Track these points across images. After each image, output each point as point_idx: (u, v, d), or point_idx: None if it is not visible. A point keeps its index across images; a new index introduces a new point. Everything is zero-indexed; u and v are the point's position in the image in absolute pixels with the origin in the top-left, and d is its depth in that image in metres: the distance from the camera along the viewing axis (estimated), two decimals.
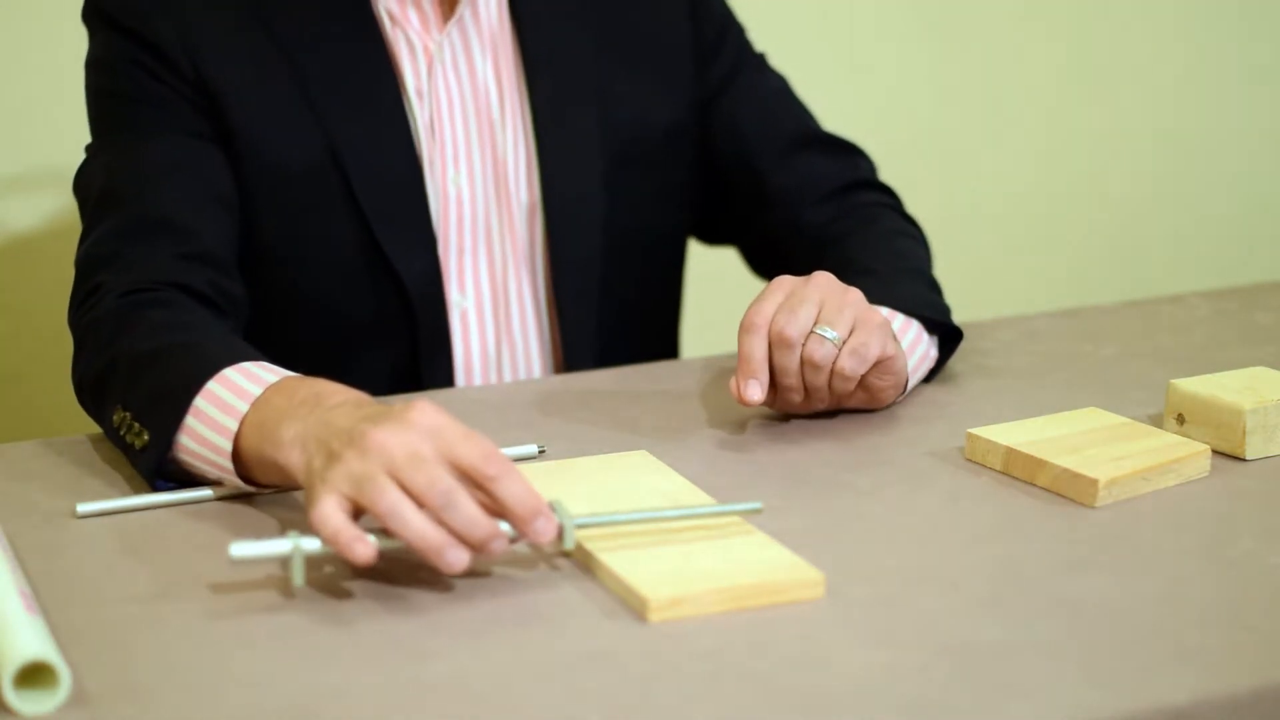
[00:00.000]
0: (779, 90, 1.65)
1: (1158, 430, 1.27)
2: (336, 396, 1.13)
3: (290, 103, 1.46)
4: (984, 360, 1.49)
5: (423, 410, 1.06)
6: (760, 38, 1.71)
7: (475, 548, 1.04)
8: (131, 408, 1.22)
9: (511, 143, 1.53)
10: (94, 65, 1.48)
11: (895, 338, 1.32)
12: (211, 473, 1.18)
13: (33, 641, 0.93)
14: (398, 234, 1.49)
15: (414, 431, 1.05)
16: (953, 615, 1.02)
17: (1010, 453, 1.22)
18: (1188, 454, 1.22)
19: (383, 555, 1.04)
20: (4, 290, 2.10)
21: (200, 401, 1.18)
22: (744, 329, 1.27)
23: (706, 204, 1.65)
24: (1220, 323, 1.60)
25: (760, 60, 1.66)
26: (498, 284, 1.54)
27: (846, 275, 1.36)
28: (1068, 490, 1.18)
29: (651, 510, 1.10)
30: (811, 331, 1.26)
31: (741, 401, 1.26)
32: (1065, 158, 2.64)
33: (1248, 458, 1.24)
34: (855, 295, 1.29)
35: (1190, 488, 1.21)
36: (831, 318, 1.27)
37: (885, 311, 1.36)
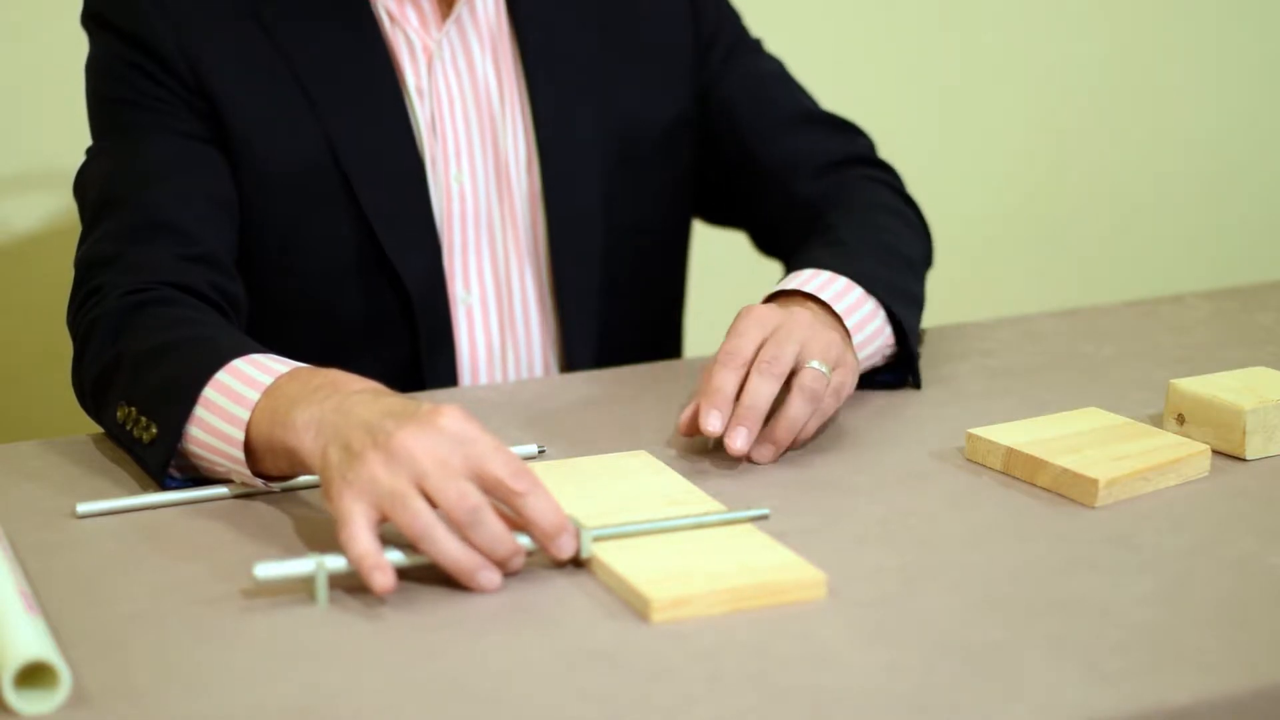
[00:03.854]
0: (774, 73, 1.65)
1: (1158, 430, 1.27)
2: (354, 384, 1.13)
3: (289, 103, 1.46)
4: (984, 360, 1.49)
5: (451, 415, 1.06)
6: (759, 34, 1.71)
7: (496, 565, 1.04)
8: (136, 402, 1.22)
9: (512, 138, 1.53)
10: (92, 68, 1.48)
11: (858, 362, 1.31)
12: (221, 465, 1.18)
13: (33, 641, 0.93)
14: (398, 233, 1.49)
15: (442, 438, 1.04)
16: (953, 615, 1.02)
17: (1010, 453, 1.22)
18: (1188, 454, 1.22)
19: (393, 566, 1.04)
20: (4, 290, 2.10)
21: (210, 392, 1.18)
22: (720, 362, 1.24)
23: (708, 188, 1.65)
24: (1220, 323, 1.60)
25: (756, 45, 1.66)
26: (501, 279, 1.54)
27: (820, 244, 1.36)
28: (1068, 490, 1.18)
29: (662, 519, 1.10)
30: (805, 366, 1.24)
31: (692, 431, 1.24)
32: (1066, 158, 2.64)
33: (1248, 458, 1.24)
34: (835, 336, 1.28)
35: (1190, 488, 1.21)
36: (819, 354, 1.25)
37: (843, 283, 1.34)
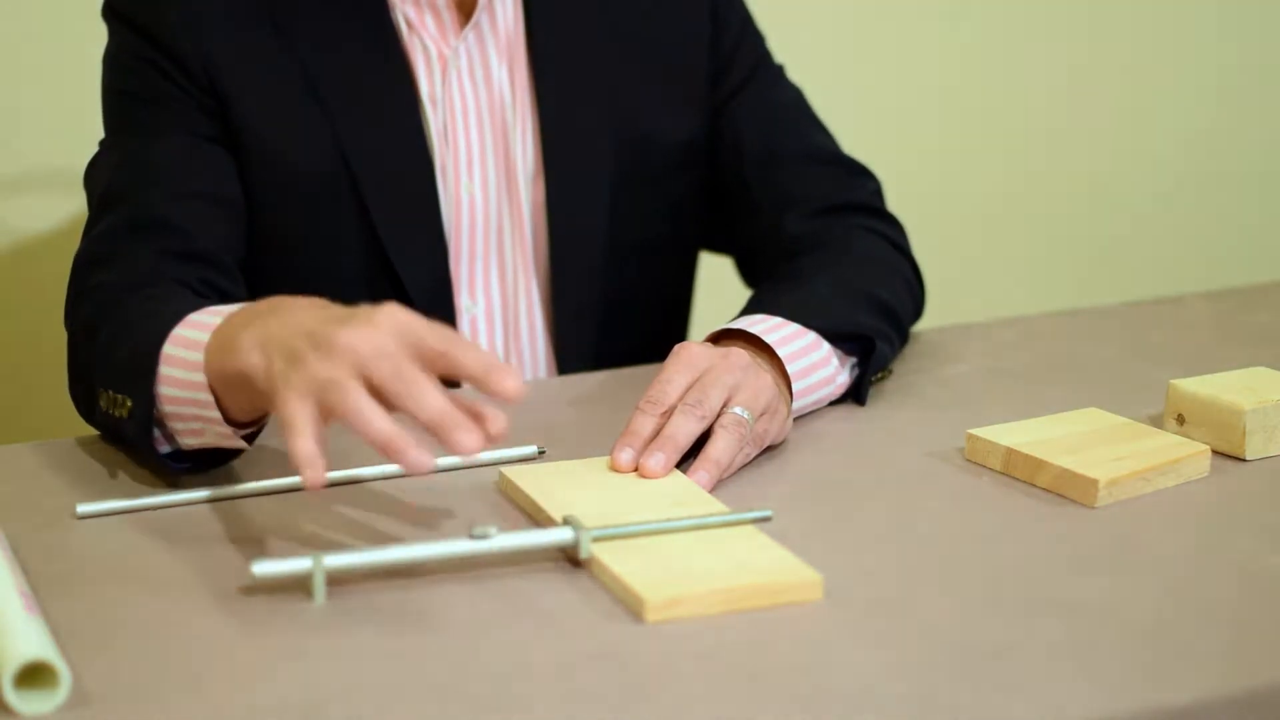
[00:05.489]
0: (789, 103, 1.62)
1: (1158, 430, 1.27)
2: (299, 301, 1.12)
3: (301, 106, 1.46)
4: (984, 360, 1.49)
5: (390, 311, 1.06)
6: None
7: (443, 439, 1.03)
8: (111, 383, 1.22)
9: (521, 148, 1.52)
10: (108, 61, 1.49)
11: (790, 411, 1.29)
12: (195, 423, 1.18)
13: (33, 641, 0.93)
14: (404, 240, 1.48)
15: (381, 330, 1.05)
16: (953, 615, 1.02)
17: (1010, 453, 1.22)
18: (1188, 454, 1.22)
19: (392, 564, 1.05)
20: (4, 290, 2.11)
21: (169, 348, 1.18)
22: (640, 408, 1.23)
23: (707, 211, 1.64)
24: (1220, 323, 1.60)
25: (777, 72, 1.63)
26: (509, 291, 1.54)
27: (782, 287, 1.37)
28: (1068, 490, 1.18)
29: (663, 520, 1.10)
30: (729, 410, 1.22)
31: (615, 464, 1.21)
32: (1066, 158, 2.64)
33: (1248, 458, 1.24)
34: (768, 381, 1.26)
35: (1190, 488, 1.21)
36: (745, 401, 1.23)
37: (792, 329, 1.32)
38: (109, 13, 1.48)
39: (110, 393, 1.22)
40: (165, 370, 1.18)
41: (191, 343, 1.17)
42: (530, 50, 1.52)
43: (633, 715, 0.91)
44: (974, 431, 1.25)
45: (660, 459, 1.19)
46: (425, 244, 1.49)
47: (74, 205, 2.07)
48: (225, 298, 1.39)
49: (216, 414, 1.16)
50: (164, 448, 1.22)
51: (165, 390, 1.18)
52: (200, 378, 1.15)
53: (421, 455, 1.02)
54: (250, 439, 1.21)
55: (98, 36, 1.50)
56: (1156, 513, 1.16)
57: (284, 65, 1.46)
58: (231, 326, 1.14)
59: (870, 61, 2.50)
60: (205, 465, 1.23)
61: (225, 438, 1.18)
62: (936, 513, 1.17)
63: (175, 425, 1.20)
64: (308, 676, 0.95)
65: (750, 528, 1.11)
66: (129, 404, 1.20)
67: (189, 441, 1.21)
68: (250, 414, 1.18)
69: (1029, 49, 2.57)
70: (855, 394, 1.38)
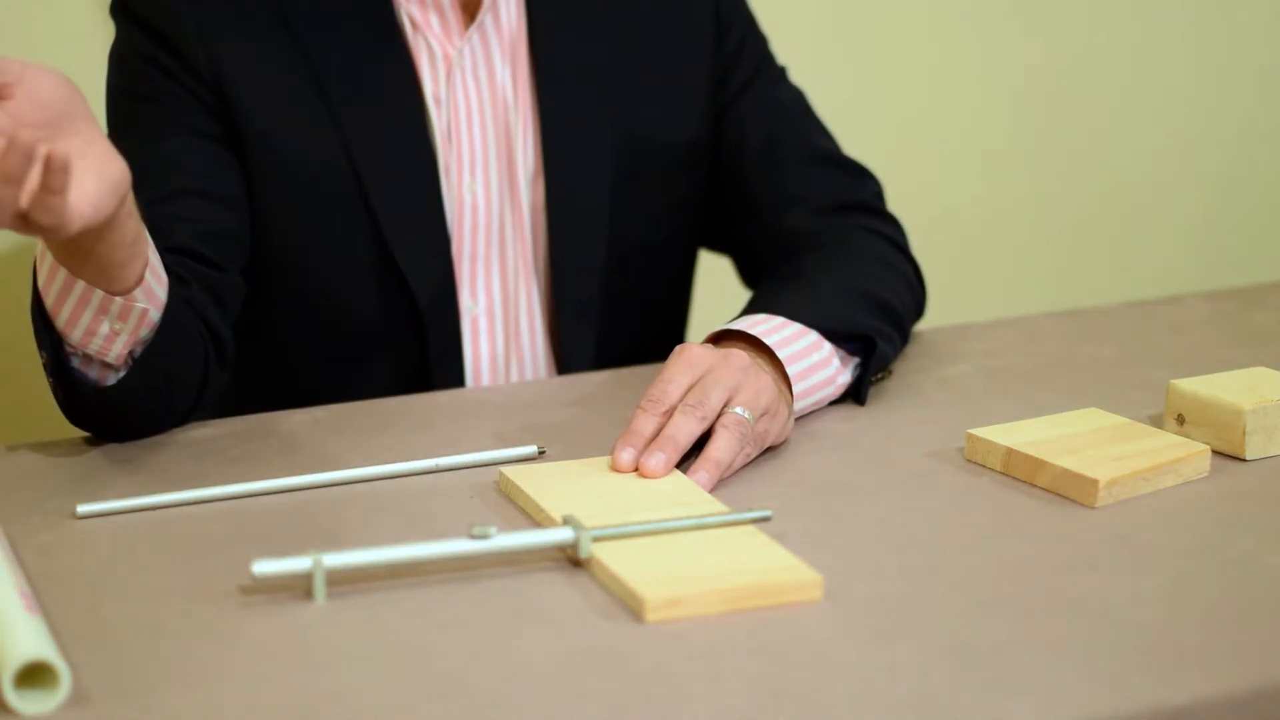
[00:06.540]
0: (791, 104, 1.61)
1: (1158, 430, 1.27)
2: None
3: (307, 104, 1.46)
4: (984, 360, 1.49)
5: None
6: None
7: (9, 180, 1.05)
8: (41, 351, 1.28)
9: (522, 149, 1.52)
10: (114, 59, 1.49)
11: (791, 411, 1.29)
12: (84, 314, 1.22)
13: (33, 641, 0.94)
14: (409, 240, 1.48)
15: None
16: (953, 615, 1.02)
17: (1010, 453, 1.22)
18: (1188, 454, 1.22)
19: (392, 564, 1.05)
20: (4, 290, 2.10)
21: (37, 285, 1.24)
22: (642, 407, 1.23)
23: (708, 211, 1.64)
24: (1220, 323, 1.60)
25: (779, 73, 1.63)
26: (510, 291, 1.54)
27: (784, 286, 1.37)
28: (1068, 490, 1.18)
29: (663, 520, 1.10)
30: (729, 410, 1.22)
31: (615, 464, 1.21)
32: (1066, 158, 2.64)
33: (1248, 458, 1.24)
34: (768, 382, 1.26)
35: (1190, 488, 1.21)
36: (746, 402, 1.23)
37: (794, 329, 1.32)
38: (117, 10, 1.49)
39: (44, 358, 1.28)
40: (40, 295, 1.24)
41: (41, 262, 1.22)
42: (532, 51, 1.52)
43: (633, 715, 0.91)
44: (974, 431, 1.25)
45: (661, 459, 1.19)
46: (429, 243, 1.49)
47: None
48: (211, 287, 1.38)
49: (97, 290, 1.20)
50: (98, 375, 1.27)
51: (53, 307, 1.23)
52: (48, 257, 1.20)
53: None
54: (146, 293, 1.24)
55: (106, 35, 1.50)
56: (1156, 513, 1.16)
57: (289, 64, 1.46)
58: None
59: (870, 63, 2.50)
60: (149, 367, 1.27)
61: (108, 305, 1.21)
62: (936, 513, 1.17)
63: (76, 331, 1.24)
64: (307, 676, 0.96)
65: (750, 528, 1.11)
66: (44, 353, 1.27)
67: (86, 329, 1.24)
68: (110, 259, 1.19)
69: (1029, 49, 2.57)
70: (855, 394, 1.38)
